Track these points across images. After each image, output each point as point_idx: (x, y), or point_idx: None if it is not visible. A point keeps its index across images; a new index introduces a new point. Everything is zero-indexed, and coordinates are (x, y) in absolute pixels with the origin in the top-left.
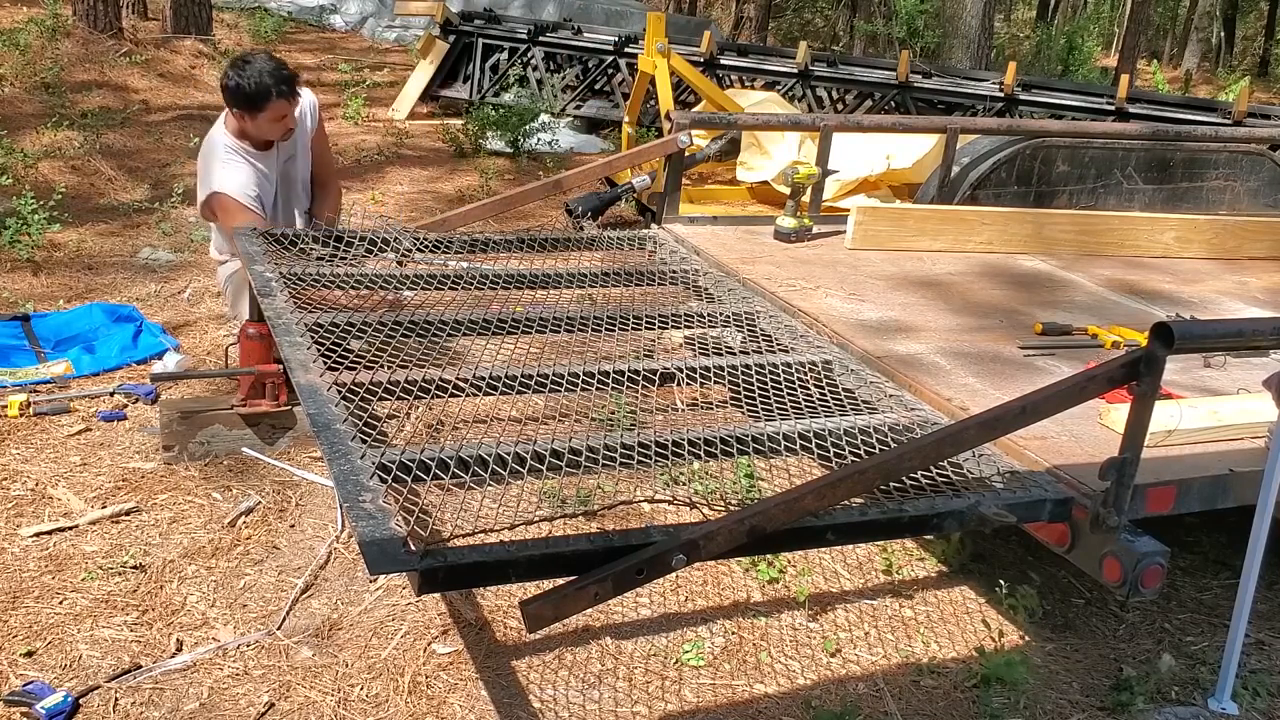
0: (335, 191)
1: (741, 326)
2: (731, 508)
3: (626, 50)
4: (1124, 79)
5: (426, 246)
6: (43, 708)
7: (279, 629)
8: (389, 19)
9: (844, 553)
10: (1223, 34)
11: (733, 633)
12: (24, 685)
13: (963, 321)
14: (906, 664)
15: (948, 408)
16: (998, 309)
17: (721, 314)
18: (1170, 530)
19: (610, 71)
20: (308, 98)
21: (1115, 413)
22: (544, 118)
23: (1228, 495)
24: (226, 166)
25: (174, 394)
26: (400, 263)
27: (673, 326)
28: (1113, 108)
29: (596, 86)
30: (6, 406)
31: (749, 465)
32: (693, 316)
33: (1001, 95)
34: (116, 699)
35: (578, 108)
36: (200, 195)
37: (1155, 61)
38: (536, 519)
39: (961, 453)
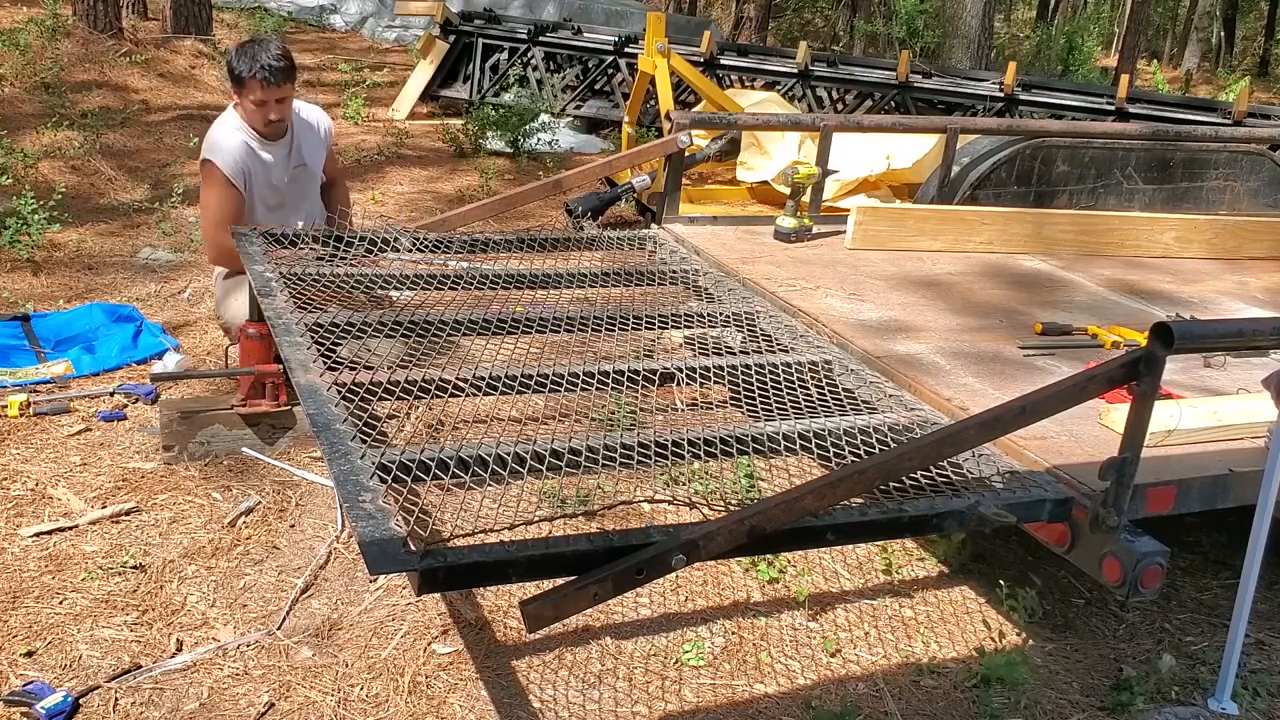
0: (344, 190)
1: (741, 326)
2: (731, 508)
3: (626, 50)
4: (1124, 79)
5: (426, 246)
6: (43, 708)
7: (279, 629)
8: (389, 19)
9: (844, 553)
10: (1223, 34)
11: (733, 633)
12: (24, 685)
13: (963, 321)
14: (906, 664)
15: (948, 408)
16: (998, 309)
17: (721, 314)
18: (1170, 530)
19: (610, 71)
20: (323, 121)
21: (1115, 413)
22: (544, 118)
23: (1228, 495)
24: (220, 138)
25: (174, 394)
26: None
27: (673, 326)
28: (1113, 108)
29: (596, 86)
30: (6, 406)
31: (749, 465)
32: (693, 316)
33: (1001, 95)
34: (116, 699)
35: (578, 108)
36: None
37: (1155, 61)
38: (536, 519)
39: (961, 453)
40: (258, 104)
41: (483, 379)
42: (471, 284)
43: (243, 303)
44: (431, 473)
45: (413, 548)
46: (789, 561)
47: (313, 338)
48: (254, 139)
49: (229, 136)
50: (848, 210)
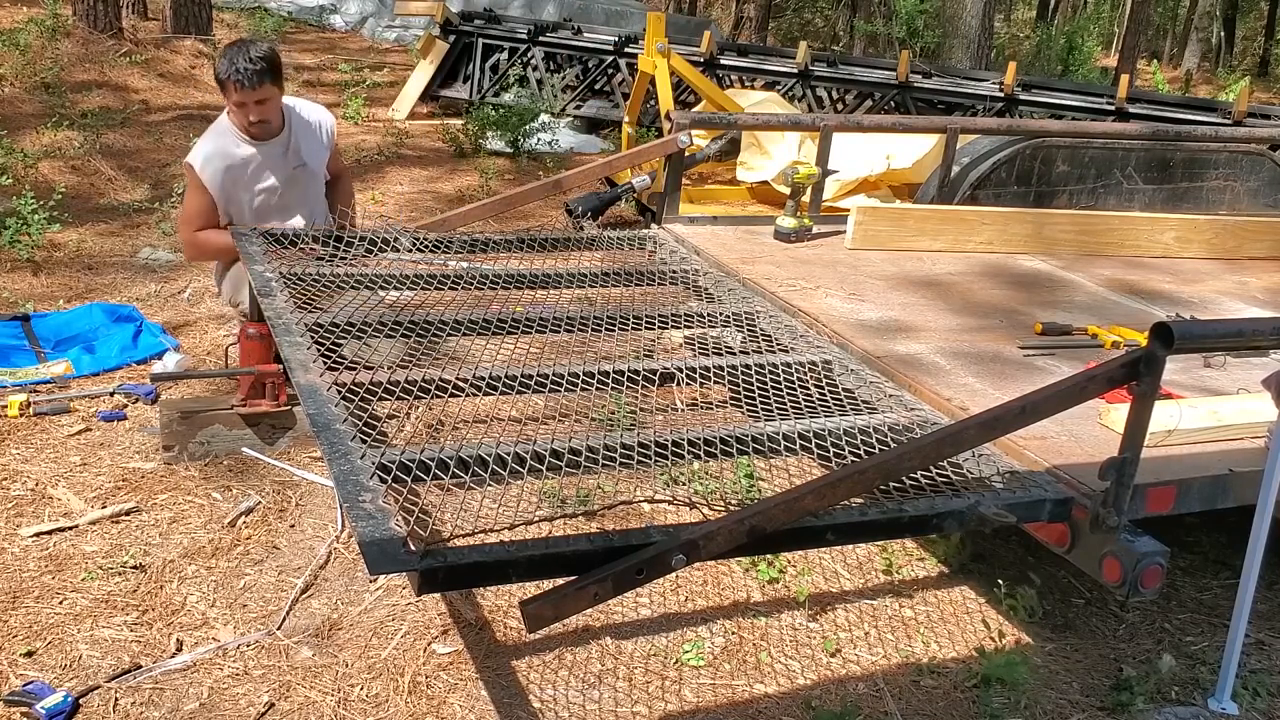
0: (347, 187)
1: (741, 326)
2: (731, 508)
3: (626, 50)
4: (1124, 79)
5: (426, 246)
6: (43, 708)
7: (279, 629)
8: (389, 19)
9: (844, 553)
10: (1223, 34)
11: (733, 633)
12: (24, 685)
13: (963, 321)
14: (906, 664)
15: (948, 408)
16: (998, 309)
17: (721, 314)
18: (1170, 530)
19: (610, 71)
20: (325, 120)
21: (1115, 413)
22: (544, 118)
23: (1228, 495)
24: (205, 141)
25: (174, 394)
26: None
27: (673, 326)
28: (1113, 108)
29: (596, 86)
30: (6, 406)
31: (749, 465)
32: (693, 316)
33: (1001, 95)
34: (116, 699)
35: (578, 108)
36: None
37: (1155, 61)
38: (536, 519)
39: (961, 453)
40: (238, 105)
41: (483, 379)
42: (471, 284)
43: None
44: (431, 473)
45: (413, 548)
46: (789, 561)
47: (313, 338)
48: (243, 140)
49: (213, 140)
50: (848, 210)
